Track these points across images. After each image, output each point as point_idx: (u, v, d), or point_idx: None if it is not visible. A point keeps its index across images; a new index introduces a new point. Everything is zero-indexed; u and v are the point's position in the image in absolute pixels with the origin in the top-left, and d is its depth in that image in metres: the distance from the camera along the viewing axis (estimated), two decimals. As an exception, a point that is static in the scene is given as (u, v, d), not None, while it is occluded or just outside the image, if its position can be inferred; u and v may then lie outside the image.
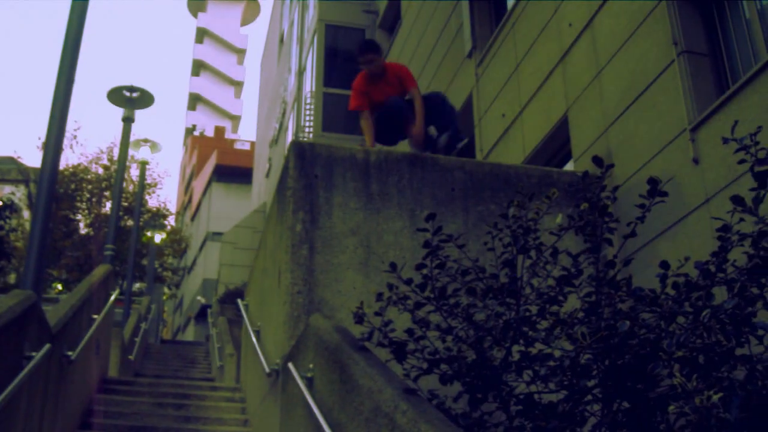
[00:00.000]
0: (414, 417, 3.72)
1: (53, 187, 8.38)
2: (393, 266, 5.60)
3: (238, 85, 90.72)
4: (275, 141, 35.25)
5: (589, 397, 4.68)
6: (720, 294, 4.56)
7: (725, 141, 4.56)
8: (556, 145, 11.13)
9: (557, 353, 4.68)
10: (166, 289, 46.06)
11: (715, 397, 3.25)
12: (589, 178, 5.36)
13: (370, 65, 9.54)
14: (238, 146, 61.27)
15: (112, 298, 12.15)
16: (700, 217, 7.65)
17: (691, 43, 8.41)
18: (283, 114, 32.84)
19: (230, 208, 50.65)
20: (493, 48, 13.37)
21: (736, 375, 4.03)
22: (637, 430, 4.20)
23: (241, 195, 52.10)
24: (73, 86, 9.04)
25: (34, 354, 6.20)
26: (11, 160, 60.94)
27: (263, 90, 46.63)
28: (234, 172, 53.67)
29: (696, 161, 7.84)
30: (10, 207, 23.46)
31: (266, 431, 8.36)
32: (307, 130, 25.03)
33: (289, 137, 29.09)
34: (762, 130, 4.93)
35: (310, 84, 25.63)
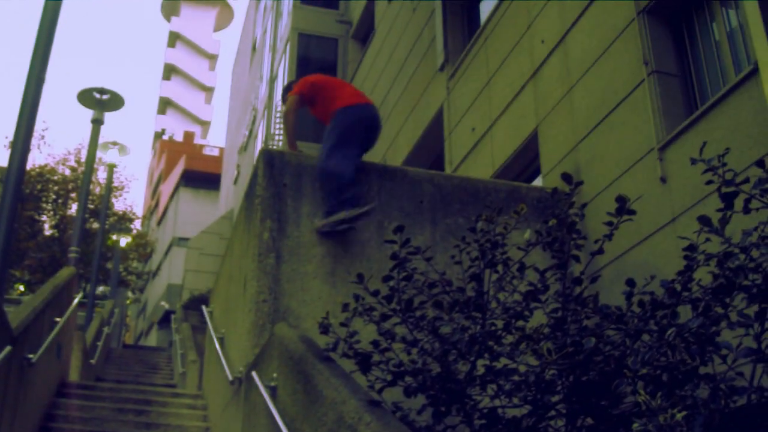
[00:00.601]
0: (378, 429, 3.72)
1: (20, 187, 8.30)
2: (360, 277, 5.60)
3: (209, 90, 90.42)
4: (244, 148, 35.18)
5: (553, 412, 4.69)
6: (685, 313, 4.58)
7: (693, 162, 4.58)
8: (526, 160, 11.16)
9: (522, 368, 4.68)
10: (130, 294, 45.81)
11: (679, 416, 3.26)
12: (558, 194, 5.39)
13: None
14: (207, 152, 61.06)
15: (76, 301, 12.06)
16: (666, 235, 7.69)
17: (661, 63, 8.47)
18: (254, 121, 32.78)
19: (197, 213, 50.46)
20: (465, 62, 13.40)
21: (700, 394, 4.05)
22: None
23: (209, 201, 51.93)
24: (44, 86, 8.97)
25: (-6, 356, 6.14)
26: (-23, 160, 60.42)
27: (234, 96, 46.54)
28: (202, 177, 53.49)
29: (663, 180, 7.89)
30: (-26, 206, 23.19)
31: (228, 439, 8.32)
32: (276, 138, 24.99)
33: (259, 145, 29.03)
34: (729, 152, 4.97)
35: (281, 92, 25.59)
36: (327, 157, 8.02)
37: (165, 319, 43.10)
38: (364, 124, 8.38)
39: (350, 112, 8.33)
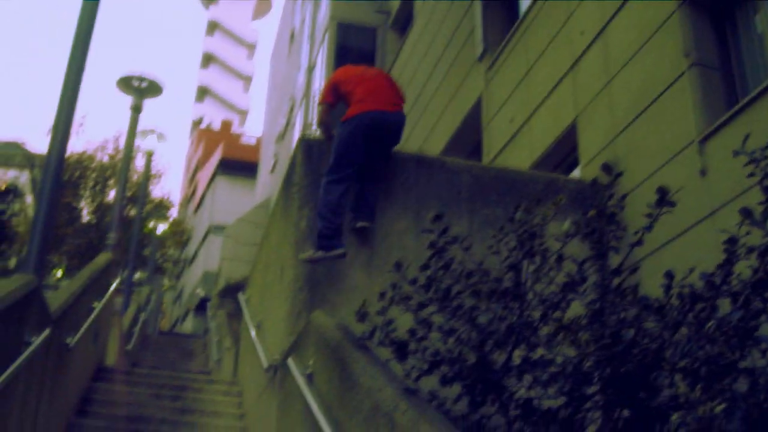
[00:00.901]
0: (414, 417, 3.72)
1: (60, 172, 8.36)
2: (398, 265, 5.60)
3: (247, 79, 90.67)
4: (282, 137, 35.26)
5: (590, 404, 4.68)
6: (724, 306, 4.55)
7: (736, 154, 4.55)
8: (564, 152, 11.12)
9: (559, 359, 4.67)
10: (166, 281, 46.08)
11: (718, 409, 3.24)
12: (597, 185, 5.35)
13: None
14: (244, 140, 61.20)
15: (113, 287, 12.15)
16: (705, 228, 7.64)
17: (702, 56, 8.40)
18: (291, 110, 32.85)
19: (234, 201, 50.58)
20: (505, 52, 13.36)
21: (739, 387, 4.02)
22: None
23: (246, 189, 52.08)
24: (84, 74, 9.03)
25: (33, 339, 6.20)
26: (16, 146, 61.01)
27: (272, 85, 46.64)
28: (239, 166, 53.62)
29: (703, 173, 7.84)
30: (14, 191, 23.45)
31: (263, 426, 8.36)
32: (314, 127, 25.02)
33: (297, 134, 29.09)
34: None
35: (319, 81, 25.63)
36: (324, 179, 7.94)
37: (201, 307, 43.34)
38: (360, 135, 7.93)
39: (346, 126, 7.98)
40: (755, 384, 3.96)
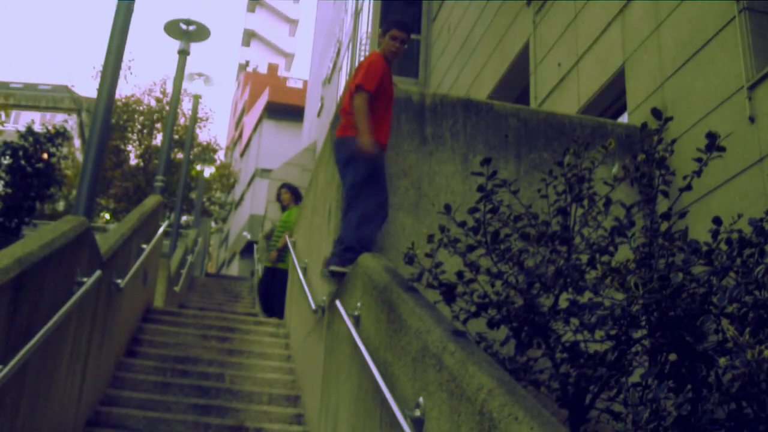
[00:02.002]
0: (462, 358, 3.76)
1: (108, 116, 8.44)
2: (447, 208, 5.64)
3: (293, 22, 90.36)
4: (328, 80, 35.23)
5: (638, 347, 4.70)
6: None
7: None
8: (611, 97, 11.04)
9: (606, 303, 4.69)
10: (213, 224, 46.43)
11: (767, 352, 3.25)
12: (646, 129, 5.34)
13: (404, 47, 7.64)
14: (290, 84, 61.22)
15: (161, 229, 12.28)
16: (753, 175, 7.59)
17: (753, 0, 8.29)
18: (338, 54, 32.78)
19: (280, 145, 50.72)
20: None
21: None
22: (684, 382, 4.22)
23: (292, 133, 52.19)
24: (131, 17, 9.07)
25: (85, 280, 6.30)
26: (65, 89, 61.49)
27: (318, 29, 46.49)
28: (286, 109, 53.69)
29: (752, 119, 7.76)
30: (63, 135, 23.67)
31: (310, 367, 8.46)
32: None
33: (343, 77, 29.04)
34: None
35: (366, 25, 25.53)
36: (347, 206, 7.34)
37: (247, 249, 43.68)
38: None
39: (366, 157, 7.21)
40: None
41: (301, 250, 11.12)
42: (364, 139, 7.06)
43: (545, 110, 10.32)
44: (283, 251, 14.39)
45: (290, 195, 15.33)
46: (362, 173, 7.17)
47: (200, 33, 18.45)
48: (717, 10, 8.58)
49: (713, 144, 4.86)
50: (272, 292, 14.96)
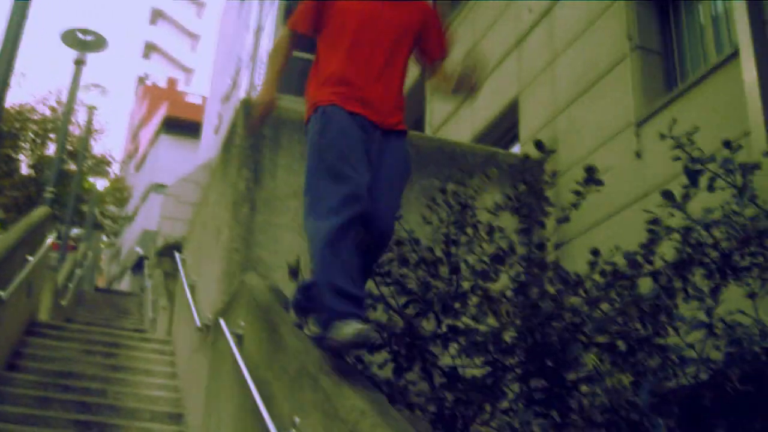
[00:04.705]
0: (338, 380, 3.80)
1: (-1, 123, 8.33)
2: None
3: (195, 37, 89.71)
4: (227, 97, 35.06)
5: (512, 375, 4.79)
6: (646, 286, 4.68)
7: (663, 137, 4.68)
8: (505, 127, 11.23)
9: (483, 328, 4.77)
10: (104, 238, 45.71)
11: (626, 381, 3.36)
12: (529, 161, 5.46)
13: None
14: (189, 99, 60.73)
15: (49, 241, 12.08)
16: (638, 210, 7.79)
17: (645, 40, 8.54)
18: (238, 71, 32.66)
19: (177, 161, 50.21)
20: (453, 25, 13.41)
21: (651, 363, 4.15)
22: (552, 408, 4.31)
23: (189, 149, 51.71)
24: (25, 25, 8.95)
25: (-35, 289, 6.19)
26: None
27: (221, 45, 46.25)
28: (183, 125, 53.16)
29: (639, 155, 7.98)
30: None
31: (194, 385, 8.41)
32: (259, 89, 24.92)
33: (242, 95, 28.95)
34: (704, 132, 5.06)
35: (267, 43, 25.51)
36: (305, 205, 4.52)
37: (138, 265, 43.07)
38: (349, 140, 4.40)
39: (324, 119, 4.47)
40: (666, 359, 4.09)
41: (190, 267, 11.05)
42: (259, 95, 4.96)
43: (439, 137, 10.45)
44: None
45: None
46: (314, 159, 4.44)
47: (97, 43, 18.24)
48: (610, 47, 8.81)
49: (592, 177, 4.99)
50: None
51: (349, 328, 3.82)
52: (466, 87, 4.75)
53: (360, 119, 4.46)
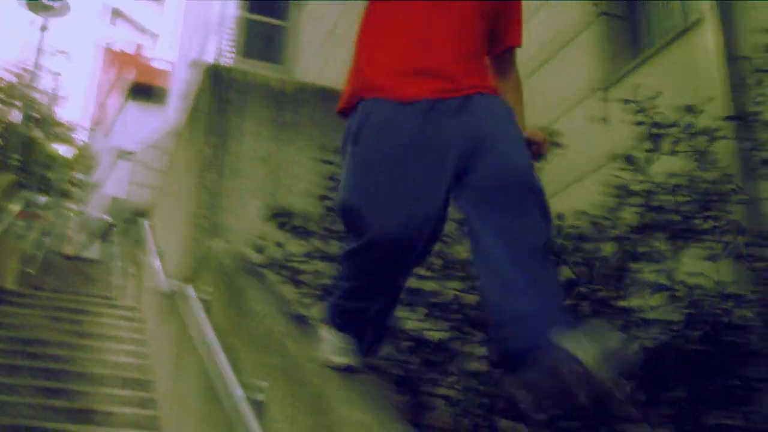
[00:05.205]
0: (303, 344, 3.82)
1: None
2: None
3: (161, 2, 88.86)
4: (194, 63, 34.82)
5: (477, 336, 4.82)
6: (609, 250, 4.73)
7: (627, 102, 4.71)
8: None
9: (449, 293, 4.80)
10: (72, 205, 45.43)
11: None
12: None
13: None
14: (157, 65, 60.20)
15: (15, 209, 12.00)
16: (603, 175, 7.83)
17: (610, 6, 8.55)
18: (205, 36, 32.44)
19: (144, 127, 49.80)
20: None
21: (614, 325, 4.19)
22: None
23: (157, 115, 51.32)
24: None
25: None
26: None
27: (188, 10, 45.87)
28: (150, 91, 52.75)
29: (605, 120, 8.01)
30: None
31: (163, 351, 8.41)
32: (226, 54, 24.76)
33: (209, 60, 28.74)
34: (667, 97, 5.10)
35: (233, 8, 25.32)
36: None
37: (107, 232, 42.85)
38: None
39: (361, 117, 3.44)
40: (628, 322, 4.14)
41: (158, 234, 11.02)
42: None
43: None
44: None
45: None
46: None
47: (61, 8, 18.10)
48: (576, 13, 8.81)
49: (551, 141, 5.03)
50: None
51: (336, 357, 3.48)
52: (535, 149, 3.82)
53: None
